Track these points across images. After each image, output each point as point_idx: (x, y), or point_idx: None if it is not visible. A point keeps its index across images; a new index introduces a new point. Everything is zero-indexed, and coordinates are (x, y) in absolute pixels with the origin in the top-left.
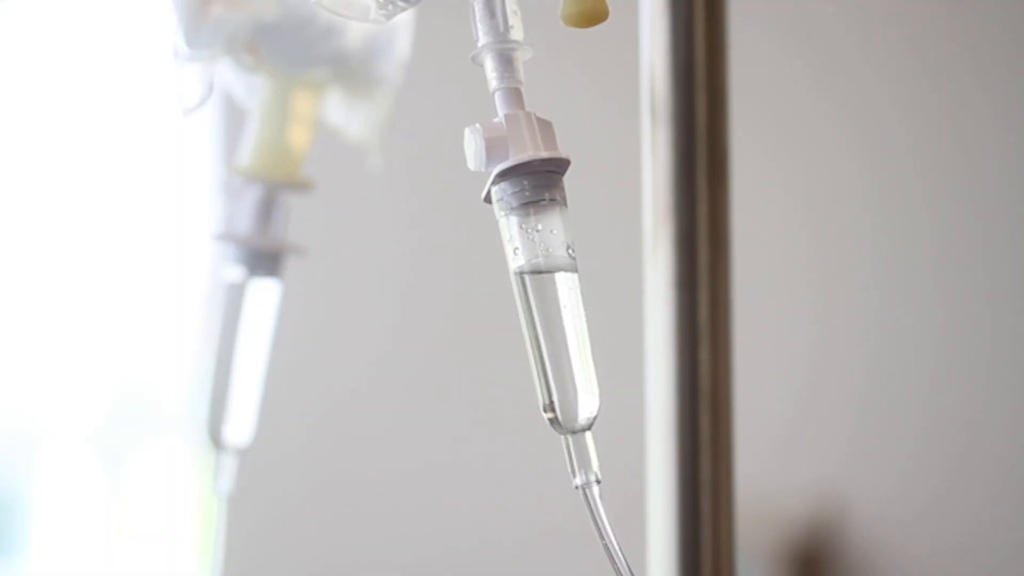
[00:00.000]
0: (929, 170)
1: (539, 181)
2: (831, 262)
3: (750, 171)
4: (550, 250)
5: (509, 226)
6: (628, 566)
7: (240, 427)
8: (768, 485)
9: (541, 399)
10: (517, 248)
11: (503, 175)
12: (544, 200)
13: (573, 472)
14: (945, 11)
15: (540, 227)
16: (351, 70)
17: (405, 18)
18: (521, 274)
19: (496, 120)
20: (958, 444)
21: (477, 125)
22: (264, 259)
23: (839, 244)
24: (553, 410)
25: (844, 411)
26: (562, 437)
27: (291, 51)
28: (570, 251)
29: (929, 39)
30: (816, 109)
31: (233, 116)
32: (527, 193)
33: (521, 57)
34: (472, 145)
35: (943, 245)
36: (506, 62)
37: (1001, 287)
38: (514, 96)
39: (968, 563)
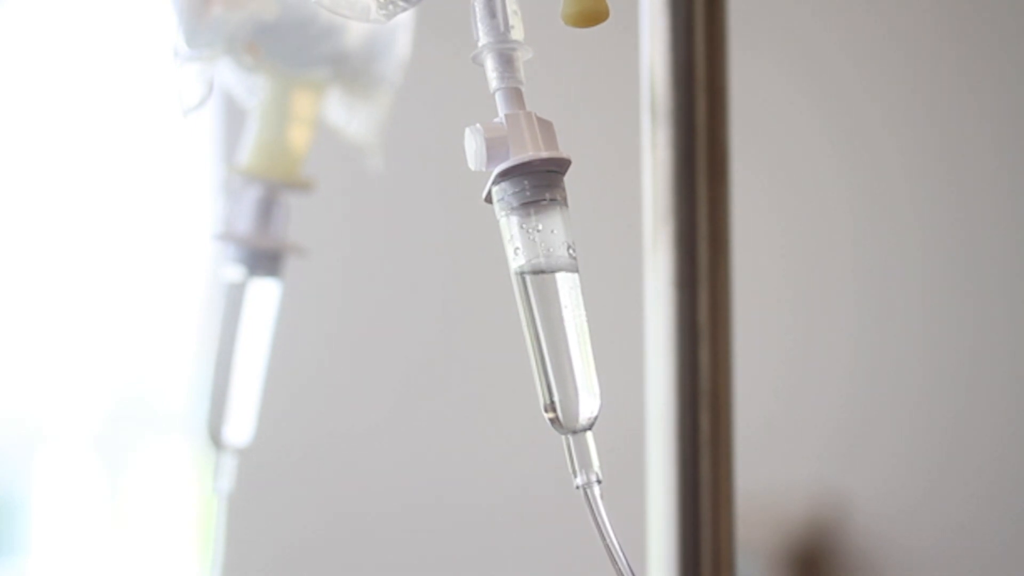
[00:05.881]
0: (919, 174)
1: (540, 181)
2: (831, 262)
3: (750, 171)
4: (551, 250)
5: (510, 226)
6: (628, 566)
7: (240, 427)
8: (768, 485)
9: (542, 399)
10: (518, 248)
11: (504, 175)
12: (545, 200)
13: (574, 472)
14: (934, 18)
15: (541, 227)
16: (351, 70)
17: (405, 18)
18: (522, 274)
19: (496, 120)
20: (953, 442)
21: (477, 125)
22: (264, 259)
23: (840, 244)
24: (554, 410)
25: (845, 410)
26: (563, 437)
27: (291, 51)
28: (571, 251)
29: (920, 45)
30: (816, 109)
31: (233, 116)
32: (528, 193)
33: (521, 57)
34: (472, 145)
35: (936, 248)
36: (506, 62)
37: (989, 287)
38: (515, 96)
39: (959, 553)
